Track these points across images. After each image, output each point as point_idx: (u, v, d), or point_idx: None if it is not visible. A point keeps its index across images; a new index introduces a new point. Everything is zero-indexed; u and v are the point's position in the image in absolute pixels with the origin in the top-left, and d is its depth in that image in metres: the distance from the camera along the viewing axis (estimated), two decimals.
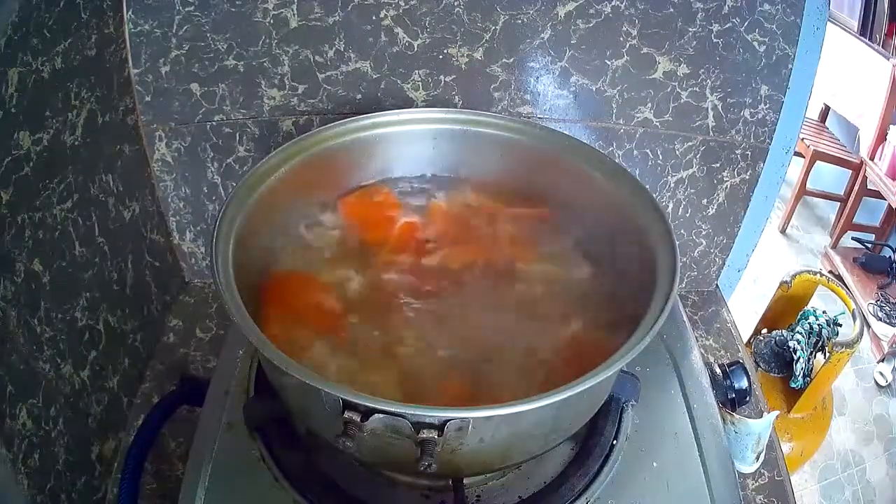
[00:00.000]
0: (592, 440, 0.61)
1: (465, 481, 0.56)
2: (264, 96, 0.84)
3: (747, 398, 0.78)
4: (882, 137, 2.49)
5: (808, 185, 2.74)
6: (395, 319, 0.61)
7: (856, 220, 2.66)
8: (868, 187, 2.57)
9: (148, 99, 0.82)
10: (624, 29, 0.81)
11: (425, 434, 0.44)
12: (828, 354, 1.32)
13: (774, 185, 0.94)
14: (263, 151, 0.85)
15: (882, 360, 2.19)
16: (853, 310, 1.39)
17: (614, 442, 0.62)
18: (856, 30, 2.79)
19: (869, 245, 2.55)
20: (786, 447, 1.36)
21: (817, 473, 1.89)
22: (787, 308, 1.44)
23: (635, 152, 0.90)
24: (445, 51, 0.82)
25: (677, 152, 0.90)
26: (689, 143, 0.89)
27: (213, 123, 0.85)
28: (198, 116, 0.84)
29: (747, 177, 0.91)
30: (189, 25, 0.78)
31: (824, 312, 1.38)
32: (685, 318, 0.77)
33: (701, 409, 0.67)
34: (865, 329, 1.79)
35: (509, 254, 0.68)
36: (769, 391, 1.40)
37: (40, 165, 0.61)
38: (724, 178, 0.92)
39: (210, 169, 0.89)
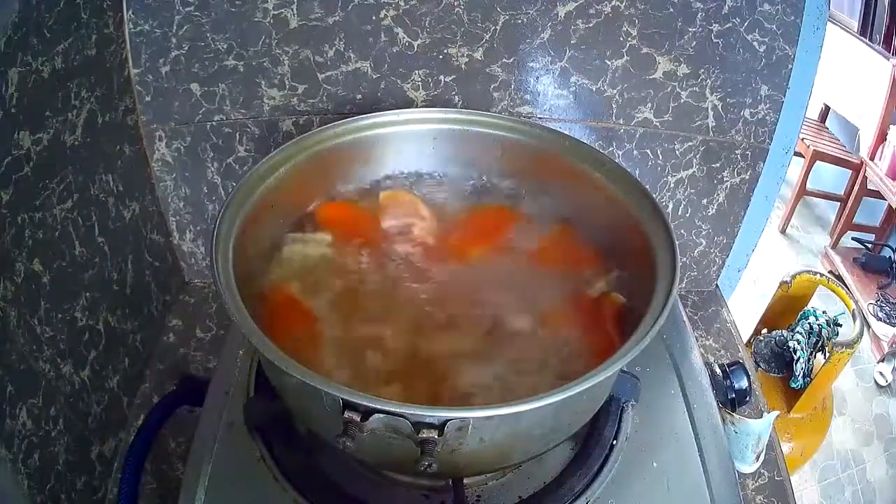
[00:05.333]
0: (592, 440, 0.61)
1: (465, 481, 0.56)
2: (264, 96, 0.84)
3: (747, 398, 0.79)
4: (882, 137, 2.49)
5: (808, 185, 2.74)
6: (395, 319, 0.61)
7: (856, 220, 2.66)
8: (868, 187, 2.57)
9: (148, 99, 0.82)
10: (624, 29, 0.81)
11: (425, 434, 0.44)
12: (828, 354, 1.32)
13: (774, 185, 0.94)
14: (263, 151, 0.85)
15: (882, 360, 2.19)
16: (853, 310, 1.39)
17: (614, 442, 0.62)
18: (856, 30, 2.79)
19: (869, 245, 2.55)
20: (786, 447, 1.36)
21: (817, 473, 1.89)
22: (787, 308, 1.44)
23: (635, 152, 0.90)
24: (445, 51, 0.82)
25: (677, 152, 0.89)
26: (689, 143, 0.89)
27: (213, 123, 0.85)
28: (198, 116, 0.84)
29: (747, 177, 0.91)
30: (189, 25, 0.78)
31: (824, 312, 1.38)
32: (685, 318, 0.77)
33: (701, 409, 0.67)
34: (865, 329, 1.79)
35: (508, 253, 0.68)
36: (769, 391, 1.40)
37: (40, 165, 0.61)
38: (724, 178, 0.92)
39: (210, 169, 0.89)
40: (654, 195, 0.62)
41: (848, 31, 2.73)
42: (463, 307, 0.62)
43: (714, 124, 0.87)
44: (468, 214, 0.72)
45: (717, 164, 0.90)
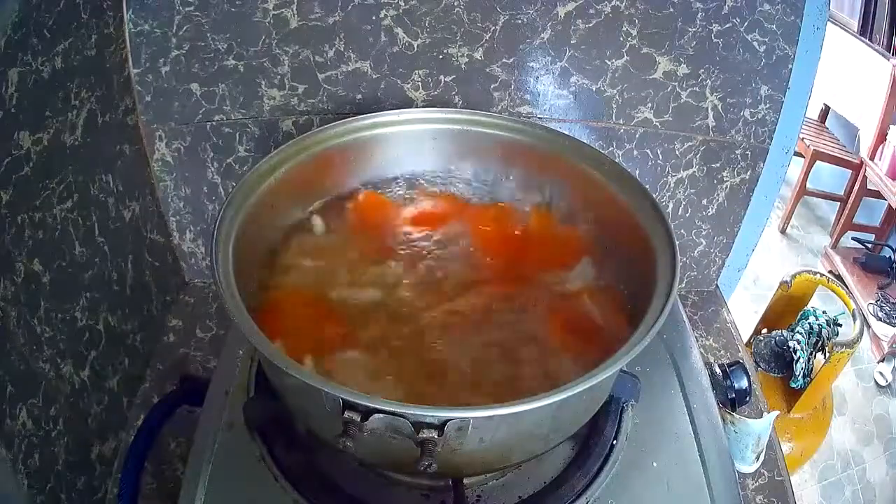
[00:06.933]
0: (592, 440, 0.61)
1: (465, 481, 0.56)
2: (264, 96, 0.84)
3: (747, 398, 0.79)
4: (882, 137, 2.49)
5: (808, 185, 2.74)
6: (398, 319, 0.61)
7: (856, 220, 2.66)
8: (868, 187, 2.57)
9: (148, 99, 0.82)
10: (624, 29, 0.81)
11: (425, 434, 0.44)
12: (828, 354, 1.32)
13: (774, 185, 0.94)
14: (263, 151, 0.85)
15: (882, 360, 2.19)
16: (853, 310, 1.39)
17: (614, 442, 0.62)
18: (856, 30, 2.79)
19: (869, 245, 2.55)
20: (786, 447, 1.36)
21: (817, 473, 1.89)
22: (787, 308, 1.44)
23: (635, 152, 0.90)
24: (445, 51, 0.82)
25: (677, 152, 0.89)
26: (689, 143, 0.89)
27: (213, 123, 0.85)
28: (198, 116, 0.84)
29: (747, 177, 0.91)
30: (189, 25, 0.78)
31: (824, 312, 1.38)
32: (685, 318, 0.77)
33: (701, 409, 0.67)
34: (865, 329, 1.79)
35: (509, 253, 0.68)
36: (769, 391, 1.40)
37: (40, 165, 0.61)
38: (724, 178, 0.92)
39: (210, 169, 0.89)
40: (654, 195, 0.62)
41: (848, 31, 2.73)
42: (466, 307, 0.62)
43: (714, 124, 0.87)
44: (467, 213, 0.72)
45: (717, 164, 0.90)
